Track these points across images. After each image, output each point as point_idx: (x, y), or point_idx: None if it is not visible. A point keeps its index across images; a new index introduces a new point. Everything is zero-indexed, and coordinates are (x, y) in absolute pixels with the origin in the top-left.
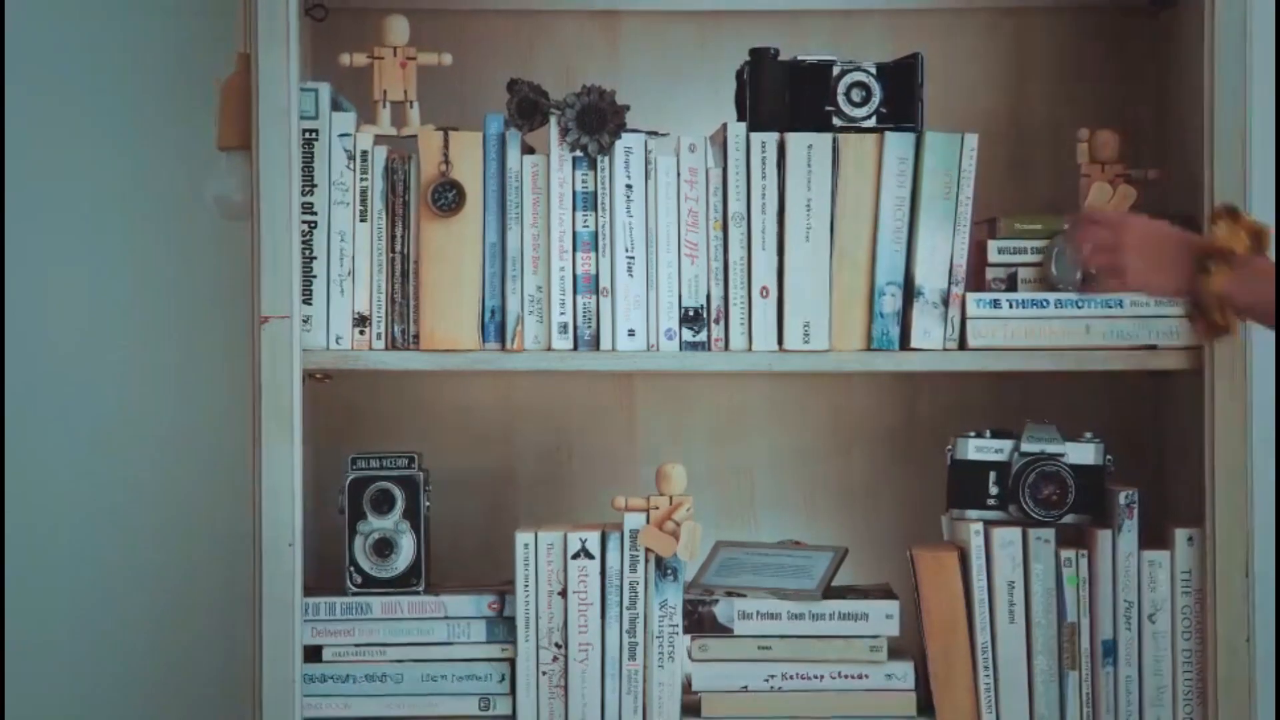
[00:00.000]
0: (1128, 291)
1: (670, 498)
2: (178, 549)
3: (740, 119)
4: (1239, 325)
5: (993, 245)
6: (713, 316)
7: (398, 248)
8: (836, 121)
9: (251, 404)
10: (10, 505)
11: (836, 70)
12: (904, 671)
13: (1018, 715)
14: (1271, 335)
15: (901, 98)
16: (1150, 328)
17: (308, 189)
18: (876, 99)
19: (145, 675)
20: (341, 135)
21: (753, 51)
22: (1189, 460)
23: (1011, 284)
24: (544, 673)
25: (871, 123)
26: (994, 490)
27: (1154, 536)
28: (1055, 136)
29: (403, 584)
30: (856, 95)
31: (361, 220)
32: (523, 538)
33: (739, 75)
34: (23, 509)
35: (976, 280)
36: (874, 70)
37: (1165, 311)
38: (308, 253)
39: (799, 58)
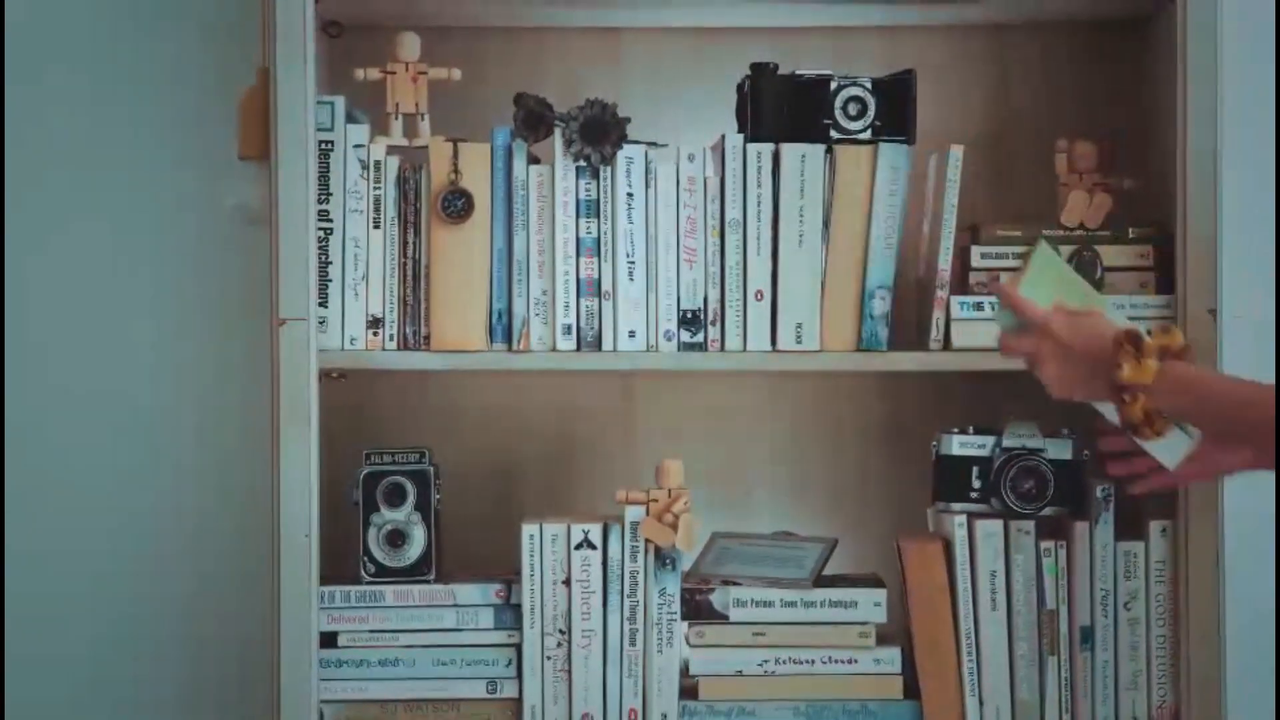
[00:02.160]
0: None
1: (669, 491)
2: (201, 540)
3: (741, 130)
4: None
5: (976, 250)
6: (710, 318)
7: (409, 253)
8: (833, 134)
9: (270, 402)
10: (39, 498)
11: (834, 85)
12: (891, 656)
13: (1000, 698)
14: (1241, 331)
15: (895, 111)
16: None
17: (324, 197)
18: (871, 112)
19: (169, 660)
20: (356, 146)
21: (753, 66)
22: None
23: None
24: (549, 657)
25: (867, 135)
26: (977, 484)
27: (1129, 528)
28: (1036, 147)
29: (414, 573)
30: (853, 109)
31: (375, 227)
32: (528, 529)
33: (740, 89)
34: (52, 501)
35: (960, 284)
36: (869, 85)
37: (1139, 313)
38: (323, 258)
39: (798, 72)
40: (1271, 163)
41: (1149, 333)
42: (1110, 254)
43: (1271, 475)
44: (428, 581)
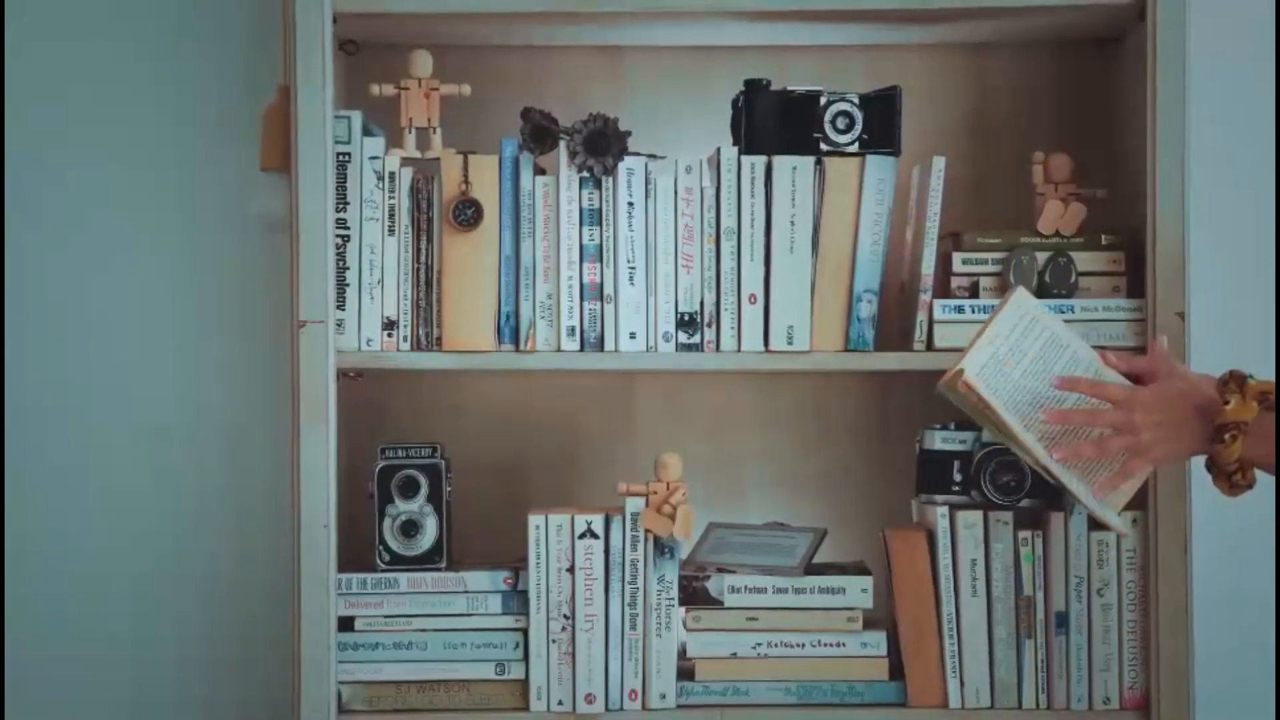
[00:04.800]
0: (1150, 465)
1: (667, 484)
2: (225, 530)
3: (735, 143)
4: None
5: (957, 256)
6: (706, 321)
7: (422, 259)
8: (823, 147)
9: (291, 400)
10: (76, 490)
11: (823, 100)
12: (877, 640)
13: (979, 679)
14: (1208, 321)
15: (882, 125)
16: (1099, 330)
17: (341, 206)
18: (859, 126)
19: (195, 643)
20: (372, 158)
21: (747, 82)
22: None
23: (974, 291)
24: (554, 641)
25: (854, 148)
26: (958, 477)
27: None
28: (1014, 159)
29: (427, 561)
30: (841, 123)
31: (390, 234)
32: (534, 520)
33: (735, 103)
34: (87, 493)
35: (943, 288)
36: (857, 100)
37: (1111, 316)
38: (341, 263)
39: (789, 88)
40: (1238, 171)
41: (1249, 374)
42: (1084, 260)
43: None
44: (439, 569)
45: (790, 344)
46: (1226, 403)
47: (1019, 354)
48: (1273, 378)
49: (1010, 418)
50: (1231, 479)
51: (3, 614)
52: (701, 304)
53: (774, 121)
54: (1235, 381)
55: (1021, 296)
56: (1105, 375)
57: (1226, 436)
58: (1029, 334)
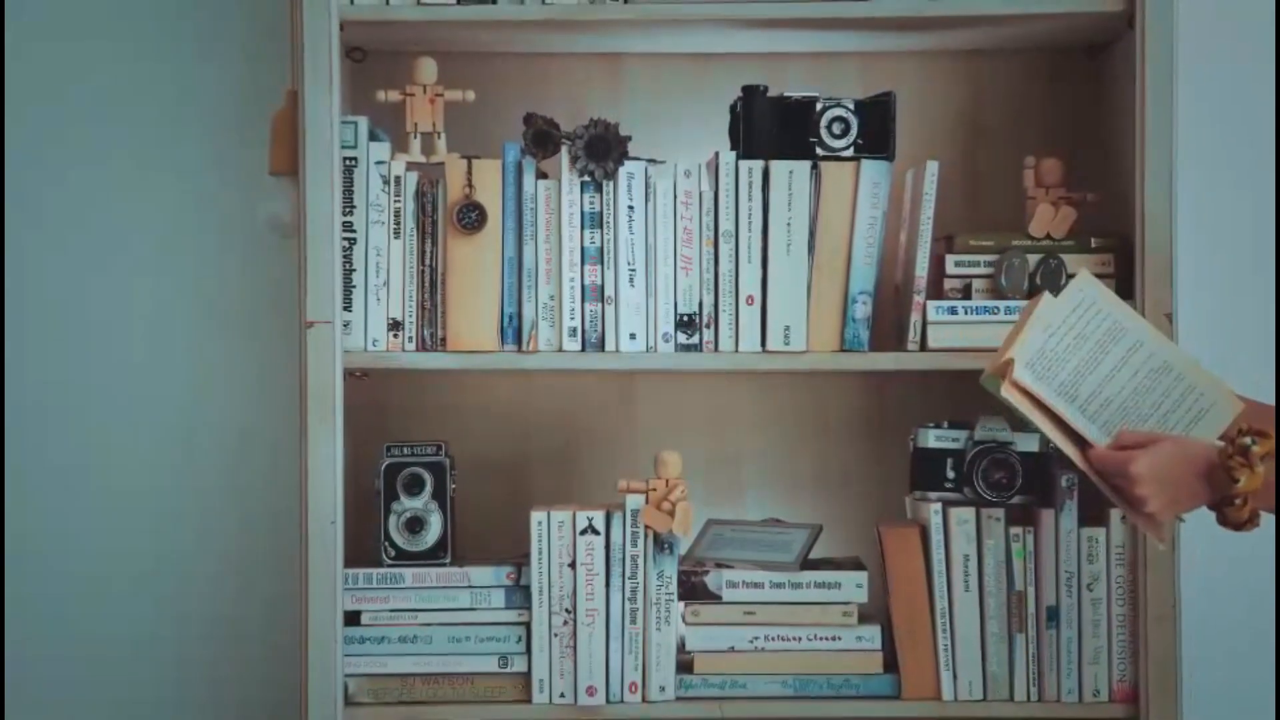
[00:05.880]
0: (1163, 521)
1: (667, 481)
2: (235, 526)
3: (733, 148)
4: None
5: (950, 259)
6: (705, 322)
7: (427, 261)
8: (819, 151)
9: (299, 399)
10: (76, 490)
11: (819, 106)
12: (872, 634)
13: (972, 672)
14: (1204, 322)
15: (876, 130)
16: None
17: (348, 210)
18: (854, 131)
19: (205, 636)
20: (378, 162)
21: (745, 88)
22: None
23: (966, 293)
24: (555, 635)
25: (850, 152)
26: (951, 475)
27: (1092, 515)
28: (1006, 163)
29: (431, 557)
30: (837, 128)
31: (395, 237)
32: (537, 516)
33: (732, 109)
34: (87, 493)
35: (936, 289)
36: (852, 106)
37: None
38: (348, 266)
39: (786, 94)
40: (1234, 173)
41: (1250, 440)
42: (1074, 262)
43: None
44: (444, 564)
45: (787, 344)
46: (1236, 480)
47: (1081, 340)
48: (1267, 379)
49: (1064, 407)
50: (1240, 528)
51: (3, 614)
52: (700, 305)
53: (771, 126)
54: (1239, 454)
55: (1084, 282)
56: (1169, 360)
57: (1237, 502)
58: (1088, 323)
